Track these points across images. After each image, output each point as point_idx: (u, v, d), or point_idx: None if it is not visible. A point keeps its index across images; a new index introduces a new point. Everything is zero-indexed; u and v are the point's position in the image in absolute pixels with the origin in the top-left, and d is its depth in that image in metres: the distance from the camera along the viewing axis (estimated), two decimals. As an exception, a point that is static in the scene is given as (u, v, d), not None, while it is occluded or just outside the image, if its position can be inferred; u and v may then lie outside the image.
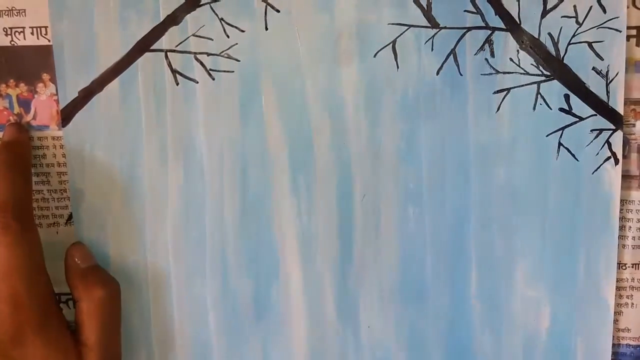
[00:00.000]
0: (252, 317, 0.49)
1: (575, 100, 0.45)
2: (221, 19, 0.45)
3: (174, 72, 0.46)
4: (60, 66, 0.45)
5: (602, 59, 0.45)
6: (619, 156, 0.46)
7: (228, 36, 0.45)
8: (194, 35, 0.45)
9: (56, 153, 0.46)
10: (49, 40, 0.45)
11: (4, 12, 0.45)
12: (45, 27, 0.45)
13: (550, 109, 0.45)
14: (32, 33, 0.45)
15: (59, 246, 0.47)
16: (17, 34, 0.45)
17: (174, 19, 0.45)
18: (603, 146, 0.46)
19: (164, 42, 0.45)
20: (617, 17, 0.44)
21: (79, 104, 0.46)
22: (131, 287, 0.48)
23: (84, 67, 0.45)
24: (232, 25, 0.45)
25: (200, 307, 0.49)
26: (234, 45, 0.45)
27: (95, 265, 0.47)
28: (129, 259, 0.48)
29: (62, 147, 0.46)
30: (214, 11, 0.45)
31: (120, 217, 0.47)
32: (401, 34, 0.45)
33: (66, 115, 0.46)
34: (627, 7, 0.44)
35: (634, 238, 0.47)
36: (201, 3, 0.45)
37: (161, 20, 0.45)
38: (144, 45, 0.45)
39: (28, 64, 0.45)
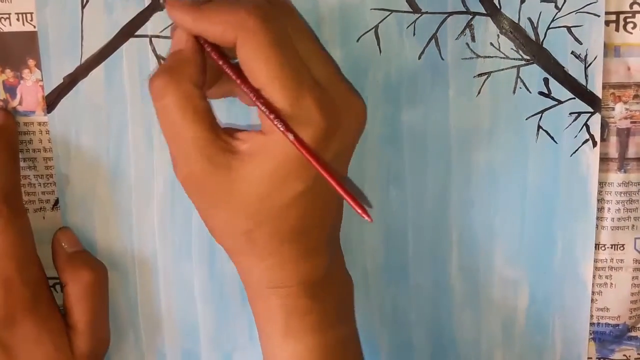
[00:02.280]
0: (239, 300, 0.49)
1: (554, 83, 0.46)
2: (205, 5, 0.45)
3: (159, 57, 0.46)
4: (45, 52, 0.45)
5: (580, 43, 0.45)
6: (597, 139, 0.46)
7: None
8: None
9: (42, 138, 0.47)
10: (34, 27, 0.45)
11: (-12, -2, 0.45)
12: (31, 14, 0.45)
13: (530, 92, 0.46)
14: (18, 19, 0.45)
15: (46, 231, 0.47)
16: (2, 20, 0.45)
17: (158, 4, 0.45)
18: (581, 129, 0.46)
19: (148, 27, 0.45)
20: (595, 2, 0.44)
21: (64, 90, 0.46)
22: (118, 271, 0.49)
23: (69, 53, 0.45)
24: (216, 11, 0.45)
25: (187, 290, 0.49)
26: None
27: (82, 250, 0.47)
28: (116, 243, 0.48)
29: (48, 132, 0.46)
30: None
31: (106, 201, 0.48)
32: (383, 18, 0.45)
33: (51, 101, 0.46)
34: (606, -8, 0.44)
35: (612, 219, 0.48)
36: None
37: (145, 6, 0.45)
38: (128, 31, 0.45)
39: (14, 50, 0.45)
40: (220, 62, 0.38)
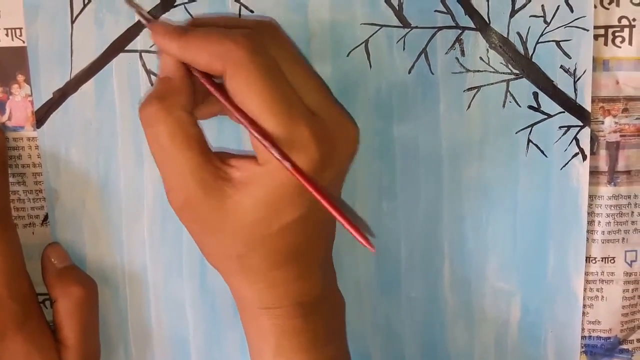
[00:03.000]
0: (229, 314, 0.49)
1: (543, 97, 0.46)
2: (195, 19, 0.45)
3: (149, 72, 0.46)
4: (34, 67, 0.45)
5: (569, 57, 0.45)
6: (587, 152, 0.46)
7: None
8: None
9: (31, 154, 0.46)
10: (24, 42, 0.45)
11: (-23, 13, 0.45)
12: (20, 29, 0.45)
13: (520, 106, 0.46)
14: (7, 34, 0.45)
15: (35, 247, 0.47)
16: (-9, 35, 0.45)
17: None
18: (571, 142, 0.46)
19: (138, 42, 0.45)
20: (584, 17, 0.45)
21: (53, 105, 0.46)
22: (108, 286, 0.48)
23: (58, 68, 0.45)
24: (206, 26, 0.45)
25: (177, 305, 0.49)
26: (208, 45, 0.45)
27: (72, 265, 0.47)
28: (106, 259, 0.48)
29: (38, 147, 0.46)
30: (188, 11, 0.45)
31: (96, 217, 0.47)
32: (373, 33, 0.45)
33: (41, 116, 0.46)
34: (595, 7, 0.45)
35: (603, 232, 0.48)
36: (176, 4, 0.45)
37: (136, 20, 0.45)
38: (118, 46, 0.45)
39: (3, 65, 0.45)
40: (212, 89, 0.38)
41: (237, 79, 0.37)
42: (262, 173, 0.37)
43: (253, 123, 0.37)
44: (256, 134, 0.36)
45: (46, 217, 0.47)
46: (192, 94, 0.39)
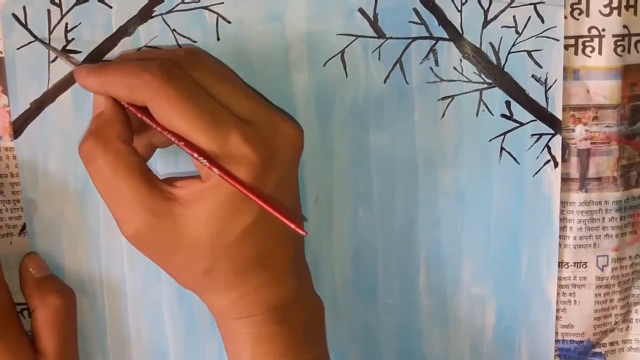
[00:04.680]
0: (208, 323, 0.49)
1: (516, 106, 0.47)
2: (173, 30, 0.45)
3: (127, 82, 0.46)
4: (12, 77, 0.45)
5: (541, 66, 0.46)
6: (558, 159, 0.47)
7: (180, 46, 0.45)
8: (146, 46, 0.45)
9: (9, 164, 0.46)
10: (1, 52, 0.45)
11: (-46, 24, 0.45)
12: (-3, 39, 0.45)
13: (493, 115, 0.47)
14: (-16, 45, 0.45)
15: (13, 257, 0.47)
16: (-31, 47, 0.45)
17: (125, 30, 0.45)
18: (543, 150, 0.47)
19: (116, 53, 0.45)
20: (554, 27, 0.46)
21: (31, 115, 0.46)
22: (86, 295, 0.48)
23: (36, 78, 0.45)
24: (184, 36, 0.45)
25: (156, 314, 0.49)
26: (185, 55, 0.45)
27: (50, 275, 0.47)
28: (84, 268, 0.48)
29: (15, 157, 0.46)
30: (165, 22, 0.45)
31: (74, 226, 0.47)
32: (349, 44, 0.46)
33: (18, 126, 0.46)
34: (565, 18, 0.46)
35: (574, 238, 0.49)
36: (153, 15, 0.45)
37: (113, 31, 0.45)
38: (96, 57, 0.45)
39: (-20, 76, 0.45)
40: (140, 116, 0.39)
41: (160, 107, 0.38)
42: (207, 188, 0.38)
43: (184, 141, 0.38)
44: (189, 151, 0.37)
45: (24, 226, 0.47)
46: (127, 124, 0.40)
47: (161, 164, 0.46)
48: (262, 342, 0.41)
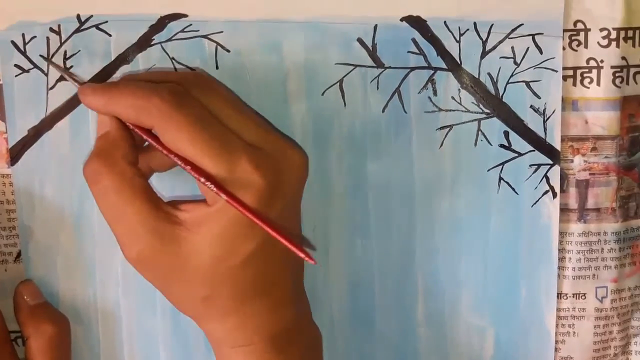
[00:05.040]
0: (203, 351, 0.49)
1: (514, 136, 0.47)
2: (172, 58, 0.45)
3: (125, 109, 0.46)
4: (9, 104, 0.45)
5: (539, 97, 0.46)
6: (557, 190, 0.47)
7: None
8: (145, 71, 0.45)
9: (5, 191, 0.46)
10: (-1, 79, 0.45)
11: (-47, 50, 0.45)
12: (-5, 67, 0.45)
13: (491, 144, 0.47)
14: (-18, 72, 0.45)
15: (8, 284, 0.47)
16: (-33, 73, 0.45)
17: (124, 58, 0.45)
18: (541, 180, 0.47)
19: (115, 80, 0.45)
20: (553, 58, 0.46)
21: (28, 142, 0.46)
22: (81, 323, 0.48)
23: (34, 106, 0.45)
24: (183, 64, 0.45)
25: (150, 342, 0.49)
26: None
27: (44, 303, 0.47)
28: (79, 296, 0.48)
29: (12, 184, 0.46)
30: (165, 51, 0.45)
31: (69, 254, 0.47)
32: (348, 73, 0.46)
33: (15, 153, 0.46)
34: (563, 49, 0.46)
35: (573, 269, 0.49)
36: (152, 43, 0.45)
37: (111, 60, 0.45)
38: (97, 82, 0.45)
39: (-23, 103, 0.45)
40: (146, 138, 0.39)
41: (168, 131, 0.38)
42: (213, 212, 0.38)
43: (191, 165, 0.38)
44: (196, 175, 0.37)
45: (19, 254, 0.47)
46: (132, 145, 0.40)
47: (159, 187, 0.46)
48: None
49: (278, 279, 0.41)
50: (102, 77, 0.45)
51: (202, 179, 0.37)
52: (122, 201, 0.38)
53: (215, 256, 0.38)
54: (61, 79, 0.45)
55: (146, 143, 0.41)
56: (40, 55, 0.45)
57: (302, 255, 0.38)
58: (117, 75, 0.45)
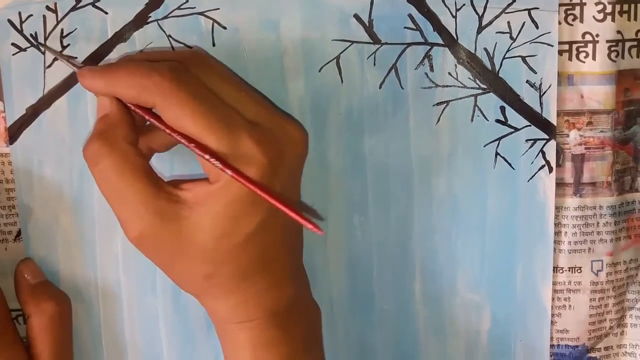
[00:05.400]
0: (204, 330, 0.49)
1: (510, 111, 0.47)
2: (169, 36, 0.45)
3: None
4: (7, 83, 0.45)
5: (535, 72, 0.46)
6: (553, 164, 0.47)
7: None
8: (141, 51, 0.45)
9: (4, 170, 0.46)
10: (-4, 58, 0.45)
11: (-51, 30, 0.45)
12: (-7, 45, 0.45)
13: (487, 120, 0.47)
14: (-20, 51, 0.45)
15: (8, 263, 0.47)
16: (-36, 52, 0.45)
17: (121, 36, 0.45)
18: (537, 155, 0.47)
19: (112, 59, 0.45)
20: (549, 33, 0.46)
21: (26, 121, 0.46)
22: (82, 302, 0.48)
23: (31, 85, 0.45)
24: (179, 42, 0.45)
25: (151, 321, 0.49)
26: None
27: (45, 281, 0.47)
28: (79, 274, 0.48)
29: (10, 163, 0.46)
30: (161, 28, 0.45)
31: (69, 232, 0.47)
32: (344, 49, 0.46)
33: (14, 132, 0.46)
34: (559, 23, 0.46)
35: (569, 243, 0.49)
36: (149, 21, 0.45)
37: (108, 37, 0.45)
38: (92, 62, 0.45)
39: (-25, 82, 0.45)
40: (148, 117, 0.39)
41: (169, 108, 0.38)
42: (215, 190, 0.38)
43: (194, 142, 0.38)
44: (200, 152, 0.37)
45: (19, 232, 0.47)
46: (133, 125, 0.40)
47: (158, 167, 0.46)
48: (262, 347, 0.41)
49: (278, 256, 0.41)
50: (99, 55, 0.45)
51: (207, 156, 0.37)
52: (123, 181, 0.38)
53: (217, 234, 0.38)
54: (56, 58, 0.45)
55: (147, 123, 0.41)
56: (39, 43, 0.45)
57: (309, 226, 0.38)
58: (114, 53, 0.45)
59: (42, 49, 0.45)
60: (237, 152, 0.37)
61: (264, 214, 0.39)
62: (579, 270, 0.49)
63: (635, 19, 0.46)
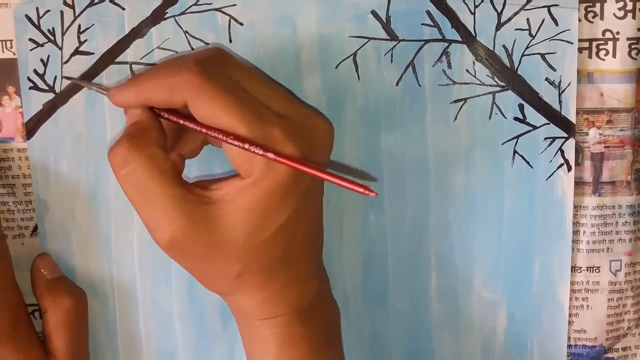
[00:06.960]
0: (218, 325, 0.49)
1: (529, 109, 0.47)
2: (185, 32, 0.45)
3: (139, 84, 0.46)
4: (25, 79, 0.45)
5: (554, 69, 0.46)
6: (572, 163, 0.47)
7: (192, 48, 0.46)
8: (158, 47, 0.45)
9: (21, 165, 0.46)
10: (14, 53, 0.45)
11: (-32, 25, 0.45)
12: (11, 41, 0.45)
13: (505, 118, 0.47)
14: (-2, 46, 0.45)
15: (25, 258, 0.47)
16: (-18, 48, 0.45)
17: (138, 31, 0.45)
18: (556, 153, 0.47)
19: (128, 54, 0.45)
20: (568, 30, 0.46)
21: (43, 116, 0.46)
22: (97, 297, 0.48)
23: (48, 80, 0.45)
24: (196, 38, 0.45)
25: (166, 316, 0.49)
26: (198, 57, 0.46)
27: (62, 276, 0.47)
28: (95, 269, 0.48)
29: (27, 159, 0.46)
30: (178, 24, 0.45)
31: (85, 228, 0.47)
32: (361, 46, 0.46)
33: (31, 127, 0.46)
34: (579, 20, 0.45)
35: (587, 242, 0.49)
36: (166, 16, 0.45)
37: (126, 33, 0.45)
38: (108, 58, 0.45)
39: (-7, 77, 0.46)
40: (181, 122, 0.39)
41: (201, 103, 0.37)
42: (247, 185, 0.38)
43: (229, 134, 0.37)
44: (238, 143, 0.37)
45: (36, 228, 0.47)
46: (162, 132, 0.40)
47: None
48: (287, 344, 0.41)
49: (303, 252, 0.41)
50: (116, 50, 0.45)
51: (246, 145, 0.37)
52: (152, 185, 0.38)
53: (248, 229, 0.38)
54: (75, 52, 0.45)
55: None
56: (67, 78, 0.45)
57: (361, 190, 0.38)
58: (131, 49, 0.45)
59: (60, 44, 0.45)
60: (269, 145, 0.37)
61: (293, 208, 0.39)
62: (597, 270, 0.49)
63: (657, 16, 0.46)
